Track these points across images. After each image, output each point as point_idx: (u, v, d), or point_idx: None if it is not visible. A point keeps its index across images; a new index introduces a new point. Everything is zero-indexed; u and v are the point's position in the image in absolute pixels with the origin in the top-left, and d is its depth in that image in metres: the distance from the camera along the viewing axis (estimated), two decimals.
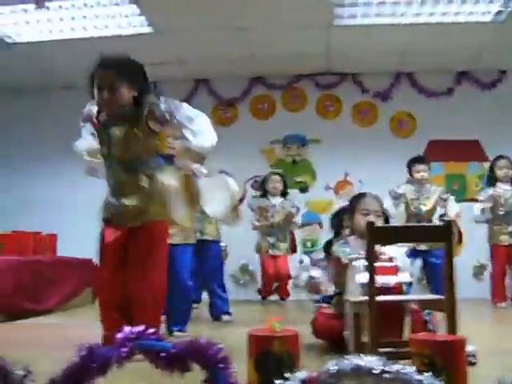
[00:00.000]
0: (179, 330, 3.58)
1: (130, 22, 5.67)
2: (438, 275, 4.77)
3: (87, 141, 2.83)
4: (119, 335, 1.51)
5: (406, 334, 2.42)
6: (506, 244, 5.71)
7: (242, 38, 6.00)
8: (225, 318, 4.48)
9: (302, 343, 3.04)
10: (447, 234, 1.92)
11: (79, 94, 2.93)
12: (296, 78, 7.15)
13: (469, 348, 2.47)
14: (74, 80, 6.65)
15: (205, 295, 5.04)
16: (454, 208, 5.64)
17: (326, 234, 6.30)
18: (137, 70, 2.74)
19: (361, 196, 3.31)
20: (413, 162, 5.76)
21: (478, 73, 6.98)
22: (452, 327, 1.86)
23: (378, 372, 1.25)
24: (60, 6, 5.31)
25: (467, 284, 6.25)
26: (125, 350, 1.48)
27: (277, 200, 6.19)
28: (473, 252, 6.27)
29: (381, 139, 6.91)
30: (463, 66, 6.86)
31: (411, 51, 6.39)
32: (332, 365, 1.29)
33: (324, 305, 4.17)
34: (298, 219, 6.34)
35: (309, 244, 6.86)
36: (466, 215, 5.76)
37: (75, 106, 3.11)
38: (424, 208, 5.69)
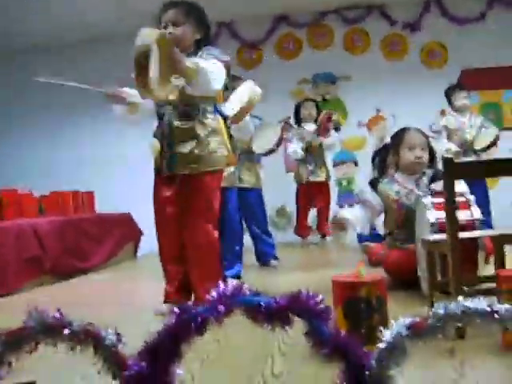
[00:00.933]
0: (235, 276, 3.58)
1: None
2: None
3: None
4: (214, 292, 1.47)
5: (480, 269, 2.39)
6: None
7: None
8: (273, 262, 4.48)
9: None
10: None
11: None
12: (321, 15, 6.96)
13: None
14: None
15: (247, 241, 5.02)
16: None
17: (361, 173, 6.30)
18: (202, 15, 2.74)
19: (404, 131, 3.25)
20: (453, 89, 5.58)
21: None
22: None
23: (487, 312, 1.21)
24: None
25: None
26: (223, 307, 1.44)
27: (311, 126, 6.03)
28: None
29: (412, 72, 6.74)
30: None
31: None
32: (438, 308, 1.26)
33: (372, 244, 4.17)
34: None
35: (345, 183, 6.79)
36: (504, 144, 5.63)
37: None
38: (469, 137, 5.53)
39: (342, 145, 6.72)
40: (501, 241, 1.98)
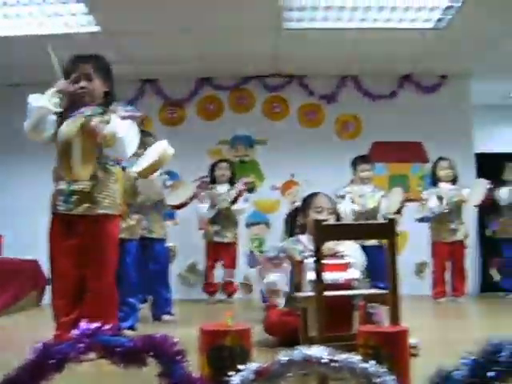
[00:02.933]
0: (129, 328, 3.58)
1: (77, 21, 5.60)
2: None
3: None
4: (75, 331, 1.52)
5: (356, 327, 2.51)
6: (447, 241, 5.93)
7: (190, 38, 6.00)
8: (166, 317, 4.48)
9: (254, 340, 3.10)
10: (391, 230, 2.00)
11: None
12: (243, 80, 7.20)
13: (412, 340, 2.58)
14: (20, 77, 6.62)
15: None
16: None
17: (272, 234, 6.46)
18: (109, 69, 2.97)
19: (313, 195, 3.42)
20: (357, 160, 5.95)
21: (420, 77, 7.19)
22: (395, 319, 1.94)
23: (326, 361, 1.31)
24: (5, 3, 5.20)
25: (409, 281, 6.45)
26: (81, 345, 1.49)
27: (223, 187, 6.20)
28: (415, 249, 6.46)
29: (326, 140, 7.05)
30: (406, 70, 7.07)
31: (356, 55, 6.53)
32: (283, 355, 1.35)
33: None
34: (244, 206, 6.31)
35: (256, 243, 6.92)
36: (409, 215, 5.94)
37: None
38: (368, 206, 5.87)
39: (255, 206, 6.89)
40: (366, 300, 2.11)
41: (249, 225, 6.84)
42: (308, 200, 3.36)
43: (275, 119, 7.20)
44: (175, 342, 1.51)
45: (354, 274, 2.54)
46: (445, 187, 6.05)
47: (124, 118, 2.71)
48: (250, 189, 6.34)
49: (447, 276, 6.02)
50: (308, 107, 7.20)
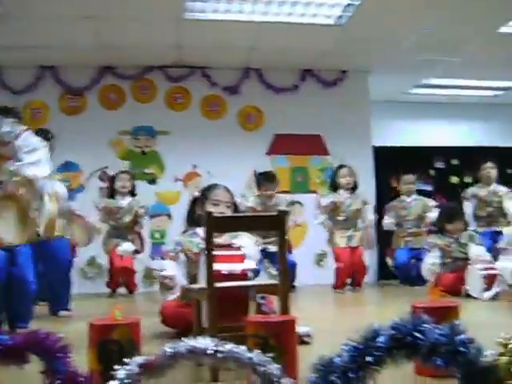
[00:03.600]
0: (22, 327, 3.47)
1: None
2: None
3: None
4: None
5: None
6: (344, 247, 6.04)
7: (91, 26, 5.84)
8: (62, 313, 4.36)
9: (152, 332, 3.08)
10: (281, 223, 2.03)
11: None
12: (146, 70, 7.08)
13: (304, 329, 2.65)
14: None
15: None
16: None
17: (174, 226, 6.42)
18: None
19: (211, 187, 3.40)
20: (262, 179, 6.05)
21: (322, 71, 7.35)
22: (285, 309, 1.98)
23: (211, 352, 1.32)
24: None
25: (310, 271, 6.62)
26: None
27: (125, 200, 6.14)
28: (315, 240, 6.61)
29: (229, 132, 7.07)
30: (308, 64, 7.20)
31: (259, 48, 6.58)
32: (168, 347, 1.35)
33: None
34: (143, 220, 6.35)
35: (157, 235, 6.86)
36: (309, 205, 6.08)
37: None
38: None
39: (157, 198, 6.83)
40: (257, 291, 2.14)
41: (151, 216, 6.76)
42: (206, 192, 3.35)
43: (178, 110, 7.13)
44: (58, 338, 1.47)
45: (250, 264, 2.57)
46: (343, 195, 6.12)
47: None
48: (152, 180, 6.30)
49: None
50: (211, 98, 7.19)
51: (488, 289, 4.84)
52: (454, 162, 7.49)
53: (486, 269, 4.98)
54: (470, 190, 6.41)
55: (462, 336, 1.42)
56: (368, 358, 1.33)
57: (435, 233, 5.84)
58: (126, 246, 5.97)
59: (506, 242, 5.33)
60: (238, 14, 5.79)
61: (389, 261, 6.96)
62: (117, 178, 6.19)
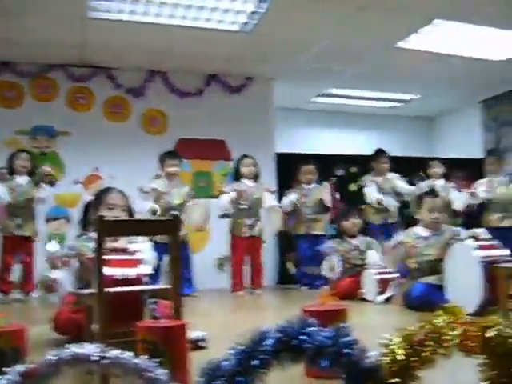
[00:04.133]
0: None
1: None
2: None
3: None
4: None
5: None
6: (246, 236, 6.17)
7: None
8: None
9: (43, 340, 2.98)
10: (174, 227, 2.03)
11: None
12: (47, 67, 6.85)
13: (199, 333, 2.65)
14: None
15: None
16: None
17: (73, 230, 6.23)
18: None
19: (106, 190, 3.35)
20: (165, 156, 6.02)
21: (227, 77, 7.39)
22: (178, 314, 1.97)
23: (96, 359, 1.30)
24: None
25: (210, 275, 6.63)
26: None
27: (24, 179, 5.90)
28: (216, 244, 6.63)
29: (132, 135, 6.98)
30: (214, 69, 7.22)
31: (164, 51, 6.55)
32: (51, 355, 1.31)
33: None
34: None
35: (56, 239, 6.64)
36: (212, 211, 6.10)
37: None
38: (175, 202, 5.97)
39: (55, 201, 6.61)
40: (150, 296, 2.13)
41: (49, 219, 6.55)
42: (100, 196, 3.29)
43: (80, 110, 6.94)
44: None
45: (145, 269, 2.54)
46: (246, 183, 6.29)
47: None
48: (50, 182, 6.08)
49: (246, 269, 6.27)
50: (114, 100, 7.06)
51: (382, 292, 5.03)
52: (353, 169, 7.73)
53: (380, 273, 5.17)
54: (367, 177, 6.84)
55: (347, 338, 1.47)
56: (254, 362, 1.35)
57: (335, 237, 6.06)
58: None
59: None
60: (144, 16, 5.73)
61: (290, 266, 7.09)
62: (15, 157, 5.93)
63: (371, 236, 6.08)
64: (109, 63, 6.92)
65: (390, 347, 1.53)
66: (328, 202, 6.53)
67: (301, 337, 1.39)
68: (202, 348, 2.61)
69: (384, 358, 1.51)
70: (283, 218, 6.41)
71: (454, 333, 1.58)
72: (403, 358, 1.50)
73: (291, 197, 6.53)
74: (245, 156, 6.40)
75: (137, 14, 5.69)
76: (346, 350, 1.42)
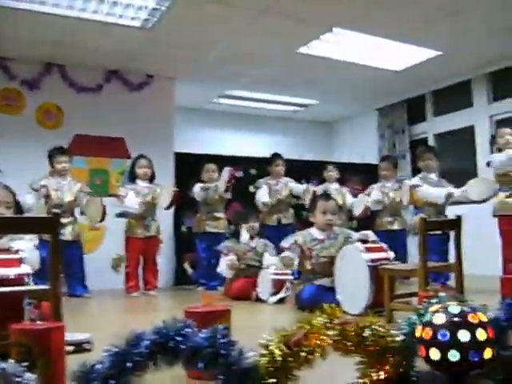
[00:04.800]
0: None
1: None
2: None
3: None
4: None
5: None
6: (140, 236, 6.09)
7: None
8: None
9: None
10: (53, 225, 1.96)
11: None
12: None
13: (84, 336, 2.58)
14: None
15: None
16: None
17: None
18: None
19: None
20: (54, 152, 5.85)
21: (128, 74, 7.25)
22: (57, 315, 1.91)
23: None
24: None
25: (105, 275, 6.49)
26: None
27: None
28: (112, 244, 6.49)
29: (26, 128, 6.67)
30: (114, 65, 7.06)
31: (63, 43, 6.32)
32: None
33: None
34: None
35: None
36: (111, 210, 5.97)
37: None
38: (66, 199, 5.82)
39: None
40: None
41: None
42: None
43: None
44: None
45: (26, 269, 2.44)
46: (141, 185, 6.22)
47: None
48: None
49: (140, 270, 6.19)
50: (8, 92, 6.71)
51: (276, 293, 5.10)
52: (253, 171, 7.79)
53: (275, 274, 5.23)
54: (262, 180, 6.97)
55: (225, 339, 1.47)
56: (129, 364, 1.33)
57: (232, 236, 6.11)
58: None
59: None
60: (41, 6, 5.50)
61: (187, 267, 7.06)
62: None
63: (267, 237, 6.17)
64: (3, 53, 6.59)
65: (269, 348, 1.55)
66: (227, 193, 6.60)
67: (177, 338, 1.38)
68: (86, 350, 2.54)
69: (262, 358, 1.52)
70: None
71: (331, 333, 1.62)
72: (280, 358, 1.52)
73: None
74: (140, 156, 6.31)
75: (34, 2, 5.46)
76: (222, 351, 1.42)
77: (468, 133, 7.95)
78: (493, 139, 5.43)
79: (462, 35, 6.28)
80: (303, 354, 1.55)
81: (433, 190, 5.80)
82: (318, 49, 6.64)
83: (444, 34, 6.22)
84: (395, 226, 6.51)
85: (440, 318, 1.60)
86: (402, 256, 6.04)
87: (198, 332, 1.43)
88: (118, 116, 7.08)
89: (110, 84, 7.19)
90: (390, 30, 6.12)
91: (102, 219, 5.74)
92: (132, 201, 6.01)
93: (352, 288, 4.08)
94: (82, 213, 5.93)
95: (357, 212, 6.75)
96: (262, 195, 6.75)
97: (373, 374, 1.73)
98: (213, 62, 6.93)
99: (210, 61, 6.86)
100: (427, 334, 1.60)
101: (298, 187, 6.87)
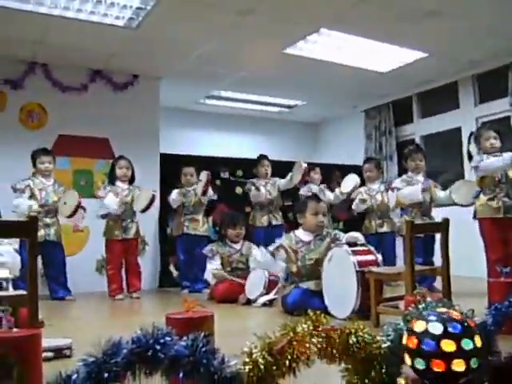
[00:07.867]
0: None
1: None
2: None
3: None
4: None
5: None
6: (120, 238, 6.00)
7: None
8: None
9: None
10: (30, 229, 1.90)
11: None
12: None
13: (64, 341, 2.52)
14: None
15: None
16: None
17: None
18: None
19: None
20: (37, 153, 5.81)
21: (113, 74, 7.18)
22: (33, 321, 1.85)
23: None
24: None
25: (89, 278, 6.41)
26: None
27: None
28: (96, 246, 6.40)
29: (9, 128, 6.56)
30: (98, 64, 6.98)
31: (47, 42, 6.23)
32: None
33: None
34: None
35: None
36: (93, 210, 5.91)
37: None
38: (51, 200, 5.77)
39: None
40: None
41: None
42: None
43: None
44: None
45: (5, 273, 2.38)
46: (121, 186, 6.16)
47: None
48: None
49: (123, 272, 6.11)
50: None
51: (266, 294, 5.05)
52: (239, 172, 7.75)
53: (264, 276, 5.17)
54: (251, 181, 6.92)
55: (206, 347, 1.42)
56: (105, 375, 1.27)
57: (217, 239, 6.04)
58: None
59: None
60: (24, 4, 5.41)
61: (172, 269, 7.00)
62: None
63: (256, 238, 6.13)
64: None
65: (253, 355, 1.51)
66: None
67: (156, 347, 1.33)
68: (66, 357, 2.48)
69: (245, 366, 1.48)
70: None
71: (316, 340, 1.58)
72: (263, 366, 1.47)
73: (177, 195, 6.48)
74: (120, 157, 6.24)
75: (17, 0, 5.38)
76: (203, 360, 1.37)
77: (455, 134, 7.95)
78: (475, 139, 5.21)
79: (449, 37, 6.27)
80: (287, 362, 1.50)
81: (408, 189, 5.84)
82: (304, 49, 6.61)
83: (430, 35, 6.21)
84: (384, 229, 6.47)
85: (424, 327, 1.57)
86: (391, 259, 6.04)
87: (179, 340, 1.38)
88: (103, 116, 7.00)
89: (95, 84, 7.10)
90: (377, 31, 6.10)
91: (75, 212, 5.63)
92: (111, 201, 5.94)
93: (339, 291, 4.04)
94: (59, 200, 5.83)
95: (347, 189, 6.74)
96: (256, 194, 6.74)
97: (358, 382, 1.69)
98: (197, 63, 6.87)
99: (194, 61, 6.80)
100: (412, 342, 1.57)
101: (286, 178, 6.82)
